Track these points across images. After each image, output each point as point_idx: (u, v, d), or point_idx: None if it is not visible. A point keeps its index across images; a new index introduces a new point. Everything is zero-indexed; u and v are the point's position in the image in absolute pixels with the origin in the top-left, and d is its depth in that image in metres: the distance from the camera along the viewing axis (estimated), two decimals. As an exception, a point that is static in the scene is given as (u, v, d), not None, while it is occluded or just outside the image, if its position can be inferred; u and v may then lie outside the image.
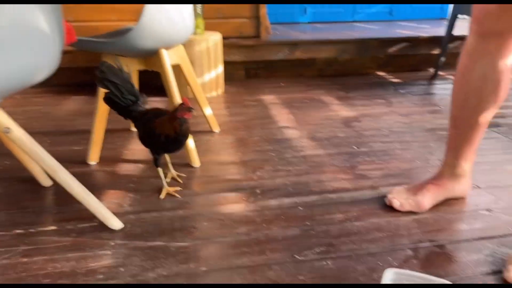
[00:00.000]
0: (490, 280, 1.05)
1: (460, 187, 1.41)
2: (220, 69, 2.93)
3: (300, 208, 1.42)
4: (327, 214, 1.38)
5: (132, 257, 1.15)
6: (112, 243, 1.21)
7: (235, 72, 3.37)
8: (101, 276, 1.08)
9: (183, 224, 1.32)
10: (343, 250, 1.18)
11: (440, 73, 3.45)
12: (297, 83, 3.28)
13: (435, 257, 1.14)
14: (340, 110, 2.56)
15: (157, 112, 1.45)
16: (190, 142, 1.73)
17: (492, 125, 2.21)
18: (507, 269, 1.05)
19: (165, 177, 1.56)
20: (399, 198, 1.37)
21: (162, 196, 1.47)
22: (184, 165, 1.74)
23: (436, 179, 1.41)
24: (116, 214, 1.33)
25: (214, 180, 1.62)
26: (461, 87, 1.28)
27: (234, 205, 1.43)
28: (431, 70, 3.52)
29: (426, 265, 1.11)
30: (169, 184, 1.54)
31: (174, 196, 1.48)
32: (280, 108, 2.61)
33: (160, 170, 1.50)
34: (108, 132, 1.82)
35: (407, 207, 1.35)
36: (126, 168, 1.74)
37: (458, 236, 1.24)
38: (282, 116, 2.44)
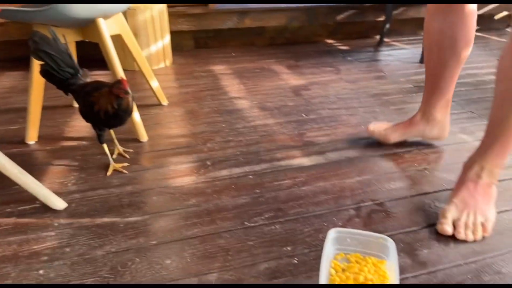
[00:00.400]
0: (425, 232, 1.13)
1: (433, 130, 1.59)
2: (167, 39, 2.82)
3: (250, 176, 1.44)
4: (276, 181, 1.41)
5: (78, 236, 1.12)
6: (56, 224, 1.17)
7: (183, 42, 3.27)
8: (45, 258, 1.04)
9: (132, 200, 1.29)
10: (290, 214, 1.22)
11: (386, 39, 3.55)
12: (248, 53, 3.24)
13: (375, 215, 1.21)
14: (289, 79, 2.57)
15: (97, 85, 1.37)
16: (136, 116, 1.68)
17: (432, 89, 2.33)
18: (440, 222, 1.14)
19: (112, 153, 1.51)
20: (377, 128, 1.64)
21: (109, 173, 1.43)
22: (132, 140, 1.69)
23: (410, 119, 1.62)
24: (60, 194, 1.28)
25: (163, 154, 1.60)
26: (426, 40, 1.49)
27: (184, 178, 1.42)
28: (378, 37, 3.60)
29: (368, 223, 1.18)
30: (116, 161, 1.50)
31: (121, 172, 1.44)
32: (231, 78, 2.58)
33: (105, 146, 1.45)
34: (48, 109, 1.72)
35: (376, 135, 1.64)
36: (68, 146, 1.66)
37: (397, 194, 1.32)
38: (233, 87, 2.42)
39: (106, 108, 1.29)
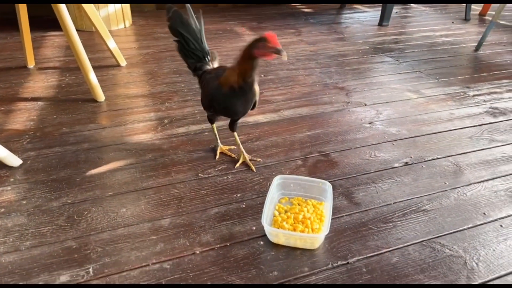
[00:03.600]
0: (363, 178, 1.24)
1: None
2: (126, -1, 2.75)
3: (206, 133, 1.49)
4: (231, 136, 1.47)
5: (34, 190, 1.16)
6: (12, 179, 1.20)
7: (144, 3, 3.18)
8: (2, 210, 1.08)
9: (89, 156, 1.33)
10: (242, 166, 1.29)
11: (348, 2, 3.58)
12: (211, 14, 3.21)
13: (320, 164, 1.31)
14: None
15: (221, 70, 1.18)
16: (93, 76, 1.67)
17: (386, 50, 2.42)
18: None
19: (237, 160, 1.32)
20: None
21: (217, 156, 1.32)
22: (89, 100, 1.70)
23: None
24: (15, 152, 1.30)
25: (120, 113, 1.62)
26: None
27: (141, 135, 1.46)
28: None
29: (312, 171, 1.27)
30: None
31: (230, 155, 1.33)
32: (192, 40, 2.56)
33: (214, 126, 1.34)
34: (1, 70, 1.68)
35: None
36: (23, 107, 1.65)
37: (342, 146, 1.42)
38: (194, 48, 2.41)
39: (233, 83, 1.08)
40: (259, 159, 1.32)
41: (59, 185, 1.18)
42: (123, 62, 2.08)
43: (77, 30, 1.67)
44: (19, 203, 1.10)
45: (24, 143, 1.39)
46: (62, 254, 0.95)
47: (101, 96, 1.70)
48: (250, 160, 1.30)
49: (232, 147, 1.38)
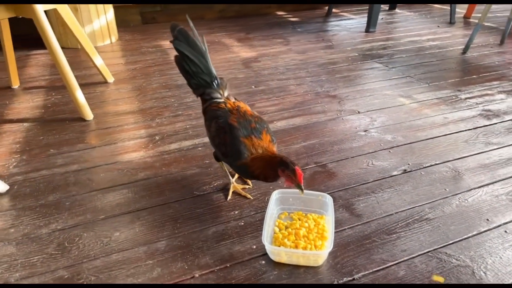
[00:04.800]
0: (362, 188, 1.21)
1: None
2: (111, 14, 2.71)
3: (200, 148, 1.45)
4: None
5: (22, 217, 1.10)
6: (-2, 207, 1.14)
7: (129, 17, 3.15)
8: (-12, 241, 1.02)
9: (78, 178, 1.28)
10: (238, 182, 1.25)
11: (334, 10, 3.61)
12: (198, 26, 3.17)
13: (318, 176, 1.28)
14: (240, 51, 2.57)
15: (243, 122, 1.07)
16: (80, 95, 1.63)
17: (375, 56, 2.43)
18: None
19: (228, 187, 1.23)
20: None
21: (229, 196, 1.18)
22: (76, 119, 1.65)
23: None
24: (1, 177, 1.24)
25: (110, 132, 1.57)
26: None
27: (133, 154, 1.42)
28: (326, 8, 3.65)
29: (311, 183, 1.24)
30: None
31: (245, 196, 1.18)
32: (180, 53, 2.54)
33: (223, 164, 1.23)
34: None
35: None
36: (8, 129, 1.59)
37: (339, 156, 1.39)
38: (182, 61, 2.38)
39: (264, 173, 1.02)
40: (248, 186, 1.23)
41: (48, 210, 1.13)
42: (110, 79, 2.04)
43: (62, 48, 1.63)
44: (6, 232, 1.05)
45: (10, 167, 1.34)
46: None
47: (89, 114, 1.65)
48: (242, 189, 1.20)
49: (247, 186, 1.22)
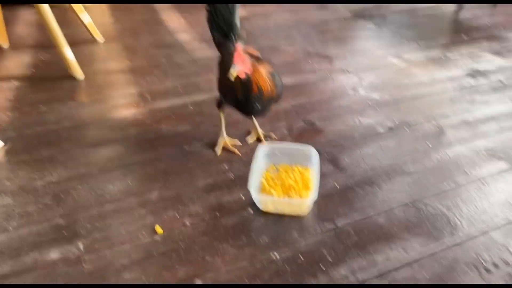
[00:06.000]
0: (348, 143, 1.25)
1: None
2: (98, -29, 2.62)
3: (191, 107, 1.47)
4: (215, 108, 1.44)
5: (17, 171, 1.13)
6: (-7, 161, 1.17)
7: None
8: (-15, 192, 1.06)
9: (71, 134, 1.30)
10: (229, 137, 1.28)
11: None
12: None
13: (306, 133, 1.31)
14: (231, 10, 2.52)
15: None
16: (69, 53, 1.62)
17: (368, 17, 2.40)
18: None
19: (250, 134, 1.27)
20: None
21: (219, 152, 1.21)
22: (67, 77, 1.64)
23: None
24: (-7, 133, 1.26)
25: (100, 90, 1.58)
26: None
27: (124, 111, 1.44)
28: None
29: (298, 140, 1.27)
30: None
31: (233, 152, 1.21)
32: (171, 12, 2.49)
33: (222, 114, 1.23)
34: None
35: None
36: (-1, 87, 1.59)
37: (327, 113, 1.42)
38: (173, 21, 2.34)
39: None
40: (274, 137, 1.26)
41: (42, 164, 1.16)
42: (99, 37, 2.01)
43: (50, 6, 1.59)
44: (2, 184, 1.08)
45: (3, 124, 1.35)
46: (50, 232, 0.94)
47: (79, 72, 1.65)
48: (232, 145, 1.22)
49: (237, 143, 1.24)
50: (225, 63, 1.11)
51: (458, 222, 0.98)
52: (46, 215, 0.99)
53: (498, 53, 1.89)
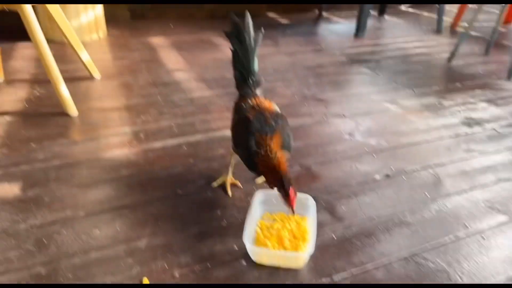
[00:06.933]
0: (344, 191, 1.23)
1: None
2: (99, 9, 2.68)
3: (185, 147, 1.45)
4: (210, 150, 1.43)
5: (0, 212, 1.08)
6: (-25, 201, 1.12)
7: (118, 12, 3.12)
8: (-37, 235, 1.00)
9: (59, 173, 1.26)
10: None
11: (324, 14, 3.64)
12: (187, 25, 3.18)
13: (302, 178, 1.29)
14: (229, 51, 2.54)
15: (259, 117, 1.08)
16: (64, 90, 1.61)
17: (362, 61, 2.45)
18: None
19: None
20: None
21: (216, 184, 1.23)
22: (60, 114, 1.62)
23: None
24: (-21, 170, 1.22)
25: (94, 128, 1.55)
26: None
27: (116, 150, 1.41)
28: (317, 11, 3.67)
29: (294, 184, 1.24)
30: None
31: (236, 185, 1.23)
32: (169, 50, 2.53)
33: (234, 156, 1.21)
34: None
35: None
36: (-11, 122, 1.56)
37: (323, 158, 1.40)
38: (171, 59, 2.37)
39: (266, 178, 1.04)
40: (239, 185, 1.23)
41: (26, 206, 1.11)
42: (96, 74, 2.02)
43: (48, 41, 1.60)
44: (-18, 227, 1.03)
45: (-11, 161, 1.31)
46: (30, 281, 0.88)
47: (73, 109, 1.63)
48: (231, 183, 1.22)
49: (239, 185, 1.23)
50: (239, 106, 1.16)
51: (459, 279, 0.94)
52: (27, 262, 0.93)
53: (491, 101, 1.92)
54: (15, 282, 0.88)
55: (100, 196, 1.17)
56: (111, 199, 1.16)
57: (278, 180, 0.98)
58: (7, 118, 1.59)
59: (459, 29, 3.32)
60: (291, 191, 0.96)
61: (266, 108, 1.13)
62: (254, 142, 1.03)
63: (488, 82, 2.17)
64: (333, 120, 1.68)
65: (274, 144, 1.02)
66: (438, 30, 3.23)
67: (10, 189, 1.17)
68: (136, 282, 0.89)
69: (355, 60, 2.48)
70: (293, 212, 0.98)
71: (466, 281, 0.93)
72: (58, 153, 1.37)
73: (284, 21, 3.46)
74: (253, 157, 1.02)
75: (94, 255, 0.96)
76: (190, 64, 2.29)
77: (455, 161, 1.41)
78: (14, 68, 2.11)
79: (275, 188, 1.00)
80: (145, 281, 0.89)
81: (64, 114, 1.62)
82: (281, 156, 1.02)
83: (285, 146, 1.06)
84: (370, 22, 3.44)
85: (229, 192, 1.20)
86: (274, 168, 1.00)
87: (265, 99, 1.19)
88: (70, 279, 0.89)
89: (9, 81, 1.94)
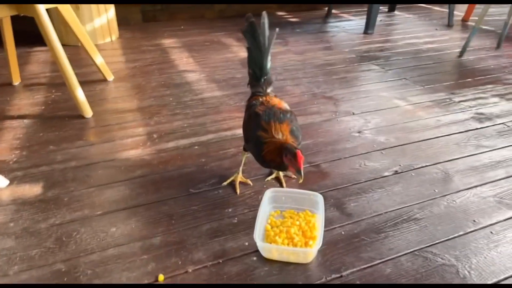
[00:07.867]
0: (353, 188, 1.24)
1: None
2: (112, 12, 2.74)
3: (196, 147, 1.48)
4: (222, 150, 1.47)
5: (22, 211, 1.13)
6: (-2, 201, 1.17)
7: (130, 15, 3.18)
8: (-12, 234, 1.05)
9: (76, 174, 1.31)
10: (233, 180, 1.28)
11: (334, 11, 3.63)
12: (198, 26, 3.22)
13: (311, 175, 1.31)
14: (239, 51, 2.60)
15: (268, 111, 1.11)
16: (80, 93, 1.66)
17: (372, 58, 2.45)
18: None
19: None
20: None
21: (226, 182, 1.26)
22: (76, 116, 1.68)
23: None
24: (1, 172, 1.27)
25: (109, 129, 1.60)
26: None
27: (130, 151, 1.45)
28: (326, 8, 3.67)
29: (303, 183, 1.24)
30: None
31: (246, 183, 1.26)
32: (180, 52, 2.57)
33: (245, 154, 1.27)
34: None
35: None
36: (9, 125, 1.62)
37: (332, 156, 1.42)
38: (182, 60, 2.41)
39: (274, 159, 1.05)
40: (294, 176, 1.26)
41: (46, 205, 1.16)
42: (110, 77, 2.07)
43: (63, 45, 1.65)
44: (6, 226, 1.08)
45: (11, 162, 1.36)
46: (51, 278, 0.93)
47: (88, 112, 1.68)
48: (240, 181, 1.25)
49: (249, 183, 1.26)
50: (251, 103, 1.19)
51: (467, 274, 0.95)
52: (48, 259, 0.98)
53: (502, 96, 1.90)
54: (37, 279, 0.92)
55: (116, 195, 1.21)
56: (126, 198, 1.20)
57: (284, 149, 1.00)
58: (26, 121, 1.66)
59: (470, 23, 3.28)
60: (298, 151, 0.97)
61: (276, 105, 1.16)
62: (262, 129, 1.06)
63: (499, 76, 2.15)
64: (342, 118, 1.70)
65: (283, 128, 1.06)
66: (449, 25, 3.20)
67: (31, 190, 1.23)
68: (152, 278, 0.93)
69: (365, 57, 2.48)
70: (301, 174, 0.97)
71: (474, 275, 0.94)
72: (76, 154, 1.42)
73: (293, 19, 3.47)
74: (260, 142, 1.05)
75: (111, 252, 1.00)
76: (200, 65, 2.33)
77: (464, 156, 1.42)
78: (30, 72, 2.18)
79: (284, 159, 1.00)
80: (161, 277, 0.92)
81: (80, 116, 1.68)
82: (289, 138, 1.05)
83: (294, 135, 1.08)
84: (380, 18, 3.43)
85: (238, 190, 1.23)
86: (280, 144, 1.02)
87: (275, 97, 1.22)
88: (88, 275, 0.93)
89: (26, 85, 2.01)
